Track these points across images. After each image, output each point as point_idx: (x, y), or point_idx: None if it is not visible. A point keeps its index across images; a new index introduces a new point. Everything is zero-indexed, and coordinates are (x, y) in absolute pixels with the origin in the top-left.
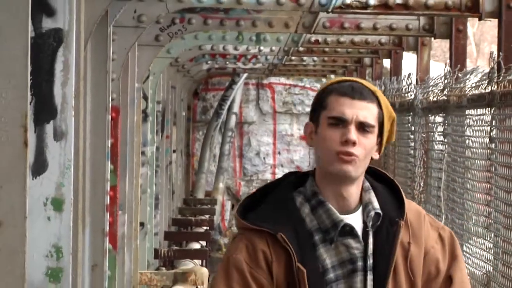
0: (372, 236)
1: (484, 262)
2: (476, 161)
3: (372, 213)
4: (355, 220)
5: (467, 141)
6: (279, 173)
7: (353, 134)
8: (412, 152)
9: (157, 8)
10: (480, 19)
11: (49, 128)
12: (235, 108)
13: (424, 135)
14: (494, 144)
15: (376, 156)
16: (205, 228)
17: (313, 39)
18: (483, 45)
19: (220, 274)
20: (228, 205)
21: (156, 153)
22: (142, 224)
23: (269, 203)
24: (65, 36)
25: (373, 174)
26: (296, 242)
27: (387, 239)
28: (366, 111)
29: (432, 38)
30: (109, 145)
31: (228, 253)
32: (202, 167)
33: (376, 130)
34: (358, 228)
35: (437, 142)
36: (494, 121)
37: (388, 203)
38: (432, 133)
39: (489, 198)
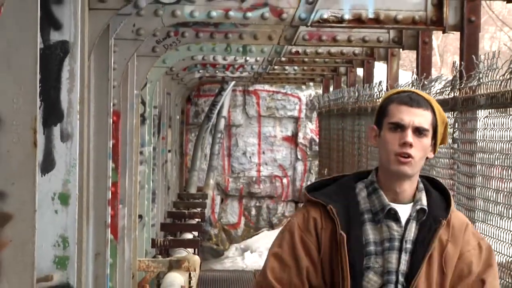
0: (414, 226)
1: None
2: (441, 159)
3: (418, 207)
4: (403, 210)
5: None
6: (264, 171)
7: (409, 137)
8: None
9: (154, 23)
10: (444, 32)
11: (56, 130)
12: (224, 112)
13: None
14: (456, 144)
15: (431, 155)
16: (197, 220)
17: (294, 50)
18: (446, 55)
19: (278, 236)
20: (218, 199)
21: (153, 152)
22: (140, 216)
23: (333, 187)
24: (71, 48)
25: (431, 182)
26: (345, 216)
27: (429, 232)
28: (421, 118)
29: (401, 49)
30: (111, 146)
31: (288, 220)
32: (194, 165)
33: (430, 133)
34: (404, 216)
35: None
36: (456, 124)
37: (436, 205)
38: None
39: (452, 193)
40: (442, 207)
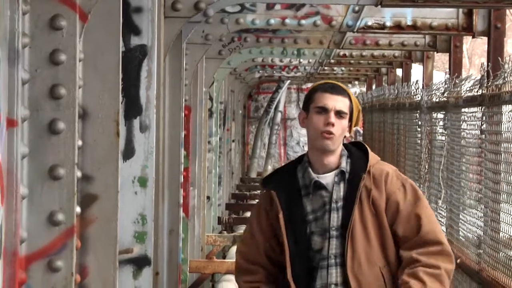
0: (342, 187)
1: (476, 228)
2: (470, 148)
3: (338, 171)
4: (329, 178)
5: (462, 133)
6: None
7: (332, 118)
8: (419, 141)
9: (220, 29)
10: (473, 37)
11: (136, 122)
12: (281, 107)
13: (428, 128)
14: (484, 135)
15: (347, 134)
16: (257, 200)
17: (341, 53)
18: (474, 58)
19: (251, 213)
20: None
21: (219, 142)
22: (208, 197)
23: (280, 173)
24: (149, 51)
25: (356, 146)
26: (287, 197)
27: (353, 187)
28: (341, 103)
29: (435, 52)
30: (183, 136)
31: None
32: (254, 153)
33: (347, 116)
34: (330, 183)
35: (438, 134)
36: (484, 117)
37: (358, 164)
38: (435, 127)
39: (480, 178)
40: (363, 164)
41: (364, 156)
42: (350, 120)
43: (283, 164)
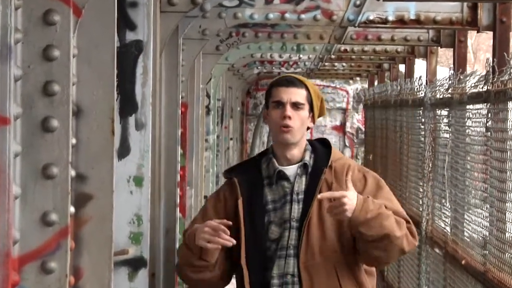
0: (304, 180)
1: (481, 228)
2: (475, 146)
3: (301, 163)
4: (292, 170)
5: (467, 130)
6: None
7: (288, 111)
8: (422, 139)
9: (218, 24)
10: (478, 32)
11: (131, 120)
12: None
13: (432, 126)
14: (489, 132)
15: (311, 125)
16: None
17: (342, 48)
18: (479, 53)
19: (206, 201)
20: None
21: (217, 140)
22: (205, 197)
23: (241, 165)
24: (144, 46)
25: (321, 142)
26: (248, 185)
27: (314, 180)
28: (296, 95)
29: (439, 47)
30: (180, 134)
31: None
32: (253, 152)
33: (306, 107)
34: (292, 174)
35: (443, 131)
36: (489, 114)
37: (321, 158)
38: (439, 124)
39: (485, 176)
40: (326, 159)
41: (327, 152)
42: (312, 110)
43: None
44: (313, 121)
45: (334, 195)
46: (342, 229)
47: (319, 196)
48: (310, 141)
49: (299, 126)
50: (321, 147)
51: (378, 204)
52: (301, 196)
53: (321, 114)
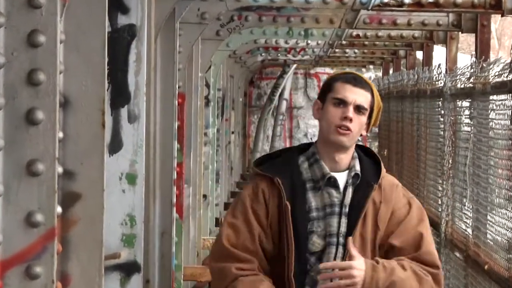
0: (351, 191)
1: (506, 230)
2: (499, 141)
3: (353, 173)
4: (340, 177)
5: (490, 123)
6: None
7: (351, 113)
8: (442, 133)
9: (218, 7)
10: (502, 16)
11: (124, 111)
12: (286, 95)
13: (452, 118)
14: None
15: (364, 133)
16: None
17: (354, 33)
18: (504, 39)
19: (230, 207)
20: None
21: (217, 134)
22: (205, 196)
23: (278, 160)
24: (138, 31)
25: (364, 150)
26: (290, 186)
27: (362, 196)
28: (362, 97)
29: (460, 33)
30: (176, 127)
31: (240, 193)
32: (256, 147)
33: (367, 113)
34: (341, 183)
35: (464, 124)
36: None
37: (369, 171)
38: (459, 116)
39: (510, 174)
40: (374, 172)
41: (373, 163)
42: (370, 117)
43: (272, 152)
44: (367, 129)
45: (339, 265)
46: (375, 251)
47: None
48: (355, 148)
49: (357, 131)
50: (366, 157)
51: (390, 269)
52: (346, 210)
53: (375, 123)
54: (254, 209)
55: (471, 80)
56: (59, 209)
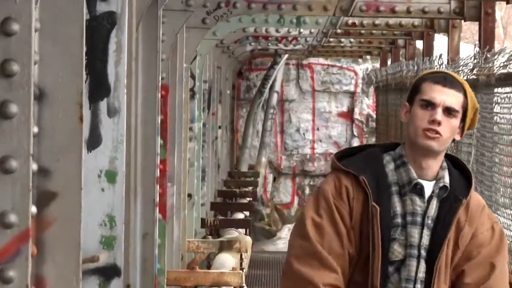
0: (436, 203)
1: (510, 231)
2: (504, 136)
3: (441, 184)
4: (427, 186)
5: (495, 118)
6: (318, 148)
7: (439, 115)
8: None
9: None
10: (508, 3)
11: (103, 105)
12: (277, 87)
13: None
14: None
15: (458, 137)
16: (248, 199)
17: (350, 21)
18: (510, 27)
19: (311, 201)
20: (270, 177)
21: (203, 129)
22: (189, 195)
23: (361, 157)
24: (118, 19)
25: (452, 161)
26: (375, 187)
27: (449, 210)
28: (453, 98)
29: (462, 21)
30: (159, 121)
31: (319, 186)
32: (245, 142)
33: (459, 115)
34: (427, 193)
35: None
36: None
37: (458, 184)
38: None
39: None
40: (463, 186)
41: (462, 176)
42: (463, 120)
43: (355, 146)
44: (461, 134)
45: None
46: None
47: None
48: (444, 158)
49: (448, 136)
50: (454, 169)
51: None
52: (430, 222)
53: (471, 126)
54: (338, 207)
55: (475, 71)
56: (33, 209)
